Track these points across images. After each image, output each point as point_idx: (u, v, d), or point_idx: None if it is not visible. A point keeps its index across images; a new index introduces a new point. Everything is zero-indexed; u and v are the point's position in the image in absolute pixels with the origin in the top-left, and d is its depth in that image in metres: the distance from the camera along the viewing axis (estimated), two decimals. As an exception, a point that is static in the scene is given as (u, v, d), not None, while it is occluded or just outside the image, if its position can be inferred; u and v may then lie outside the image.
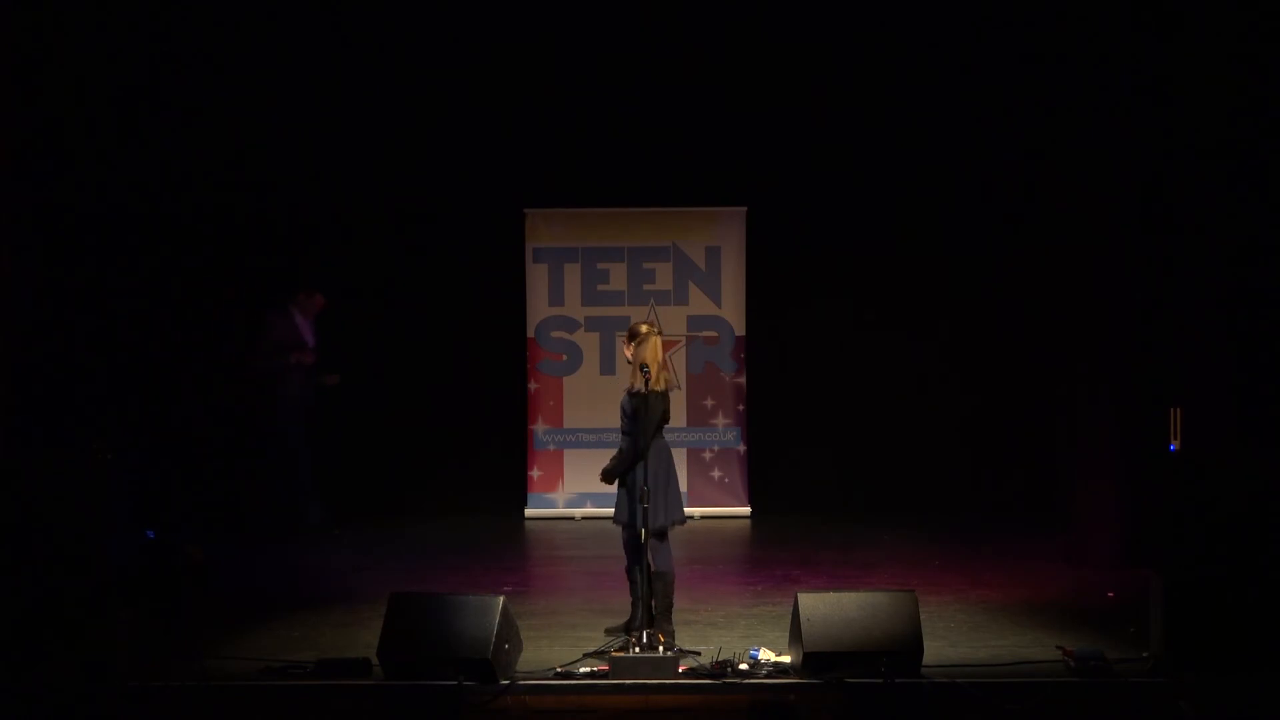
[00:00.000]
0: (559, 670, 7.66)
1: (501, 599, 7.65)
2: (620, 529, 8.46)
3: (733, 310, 12.91)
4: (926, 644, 7.60)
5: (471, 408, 13.05)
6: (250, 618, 9.05)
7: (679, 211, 13.00)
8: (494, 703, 7.33)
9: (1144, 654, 7.83)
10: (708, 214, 13.01)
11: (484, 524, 12.47)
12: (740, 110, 12.80)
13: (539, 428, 12.90)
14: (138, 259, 11.67)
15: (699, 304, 12.92)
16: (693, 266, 12.92)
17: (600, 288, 12.94)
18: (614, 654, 7.67)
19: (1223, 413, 9.76)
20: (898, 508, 12.63)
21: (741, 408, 12.89)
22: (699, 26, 12.51)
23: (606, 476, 8.47)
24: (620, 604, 8.78)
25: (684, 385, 12.85)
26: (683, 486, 12.20)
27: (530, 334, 12.93)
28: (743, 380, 12.92)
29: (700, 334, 12.91)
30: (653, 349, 8.33)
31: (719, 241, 12.93)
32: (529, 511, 12.83)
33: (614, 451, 8.50)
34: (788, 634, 7.90)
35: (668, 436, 8.48)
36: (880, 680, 7.34)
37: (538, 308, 12.95)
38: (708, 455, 12.89)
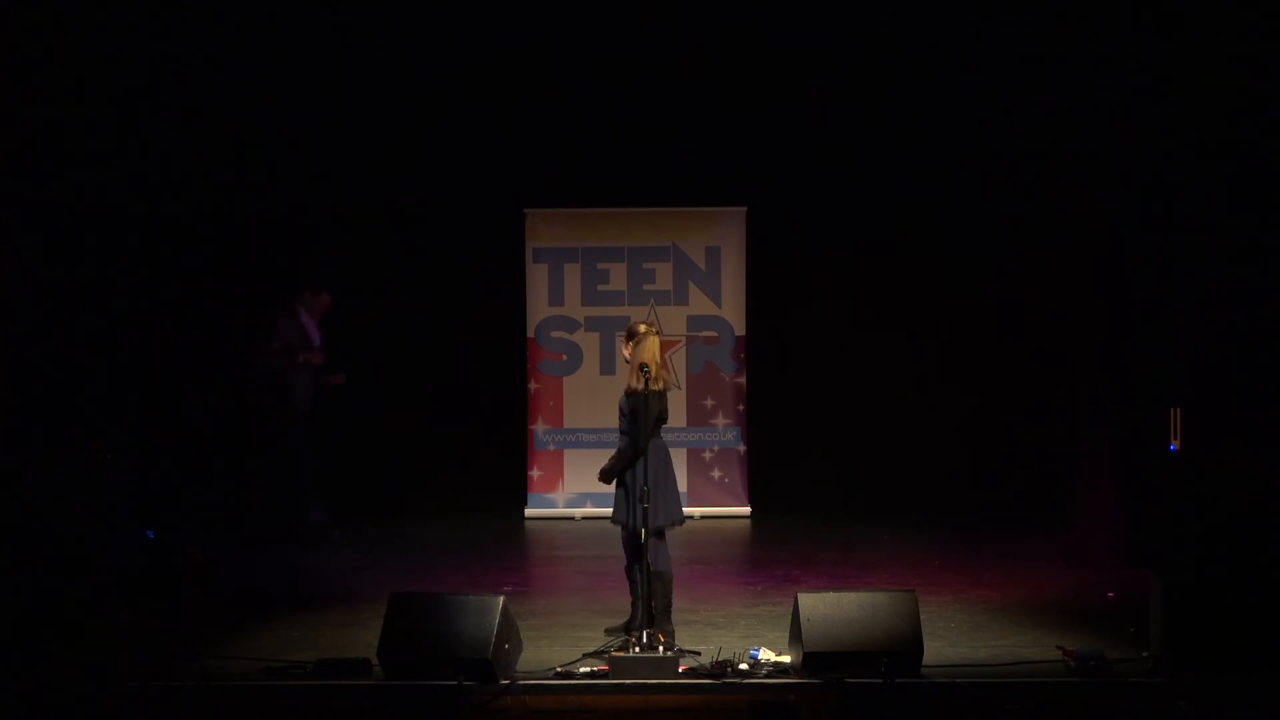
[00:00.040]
0: (559, 670, 7.66)
1: (501, 599, 7.65)
2: (620, 529, 8.46)
3: (733, 310, 12.91)
4: (926, 644, 7.61)
5: (471, 408, 13.06)
6: (250, 618, 9.05)
7: (679, 211, 13.01)
8: (494, 703, 7.33)
9: (1144, 654, 7.83)
10: (708, 214, 13.01)
11: (484, 524, 12.47)
12: (740, 110, 12.80)
13: (539, 428, 12.90)
14: (138, 259, 11.66)
15: (699, 304, 12.92)
16: (693, 266, 12.92)
17: (600, 288, 12.94)
18: (614, 654, 7.67)
19: (1223, 413, 9.76)
20: (898, 508, 12.63)
21: (741, 408, 12.89)
22: (699, 26, 12.51)
23: (605, 476, 8.47)
24: (620, 604, 8.78)
25: (684, 385, 12.85)
26: (683, 486, 12.28)
27: (530, 334, 12.93)
28: (743, 380, 12.92)
29: (700, 334, 12.92)
30: (651, 349, 8.33)
31: (719, 241, 12.93)
32: (529, 511, 12.84)
33: (613, 451, 8.51)
34: (788, 634, 7.90)
35: (667, 436, 8.49)
36: (880, 680, 7.34)
37: (538, 308, 12.95)
38: (708, 455, 12.89)
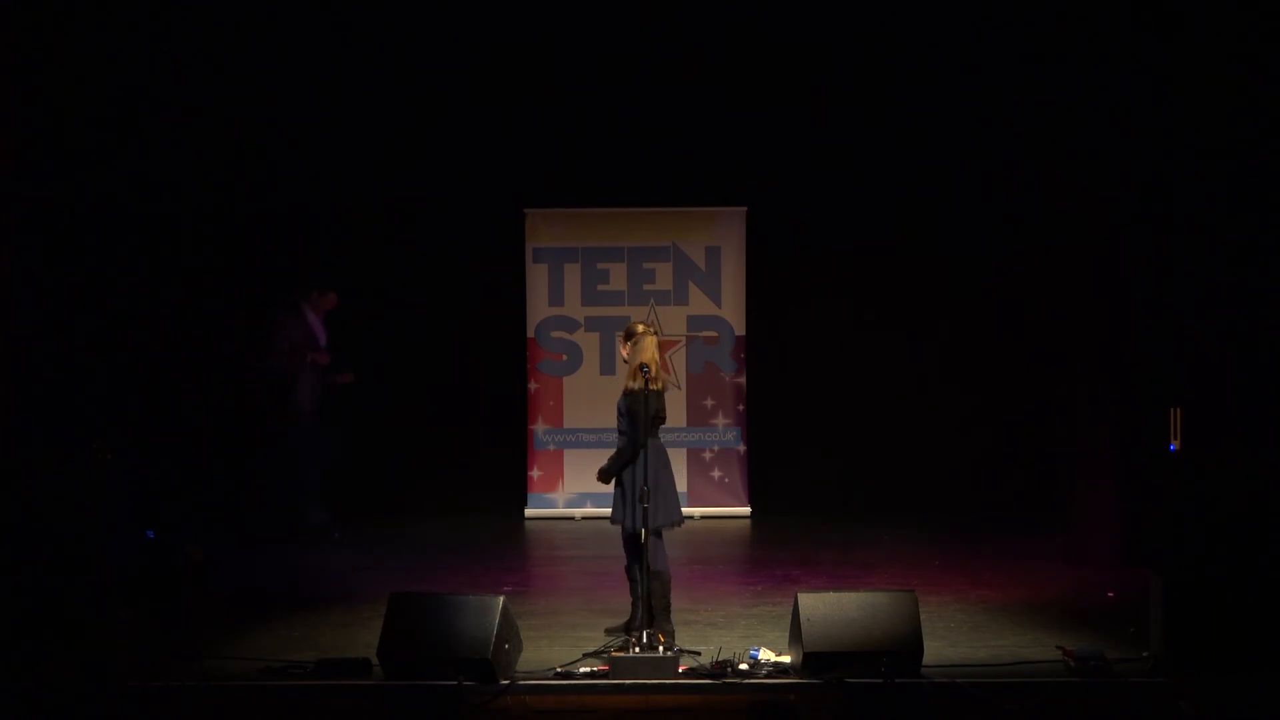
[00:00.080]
0: (559, 670, 7.66)
1: (501, 599, 7.65)
2: (619, 529, 8.46)
3: (733, 310, 12.91)
4: (926, 644, 7.61)
5: (471, 408, 13.06)
6: (250, 618, 9.05)
7: (679, 211, 13.01)
8: (494, 703, 7.33)
9: (1144, 654, 7.83)
10: (708, 214, 13.01)
11: (484, 524, 12.47)
12: (740, 110, 12.80)
13: (539, 428, 12.90)
14: (138, 259, 11.66)
15: (699, 304, 12.92)
16: (693, 266, 12.92)
17: (600, 288, 12.94)
18: (614, 654, 7.67)
19: (1223, 413, 9.76)
20: (898, 508, 12.63)
21: (741, 408, 12.89)
22: (699, 26, 12.50)
23: (603, 476, 8.48)
24: (620, 604, 8.78)
25: (684, 385, 12.85)
26: (682, 486, 12.32)
27: (530, 334, 12.93)
28: (743, 380, 12.92)
29: (700, 334, 12.92)
30: (650, 349, 8.34)
31: (719, 241, 12.93)
32: (529, 511, 12.84)
33: (612, 452, 8.51)
34: (788, 634, 7.90)
35: (667, 436, 8.49)
36: (880, 680, 7.34)
37: (538, 308, 12.95)
38: (708, 455, 12.88)
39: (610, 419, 8.72)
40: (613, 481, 8.43)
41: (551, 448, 12.89)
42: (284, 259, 12.68)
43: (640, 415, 8.19)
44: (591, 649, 8.07)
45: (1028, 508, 12.24)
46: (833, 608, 7.62)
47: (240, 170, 12.44)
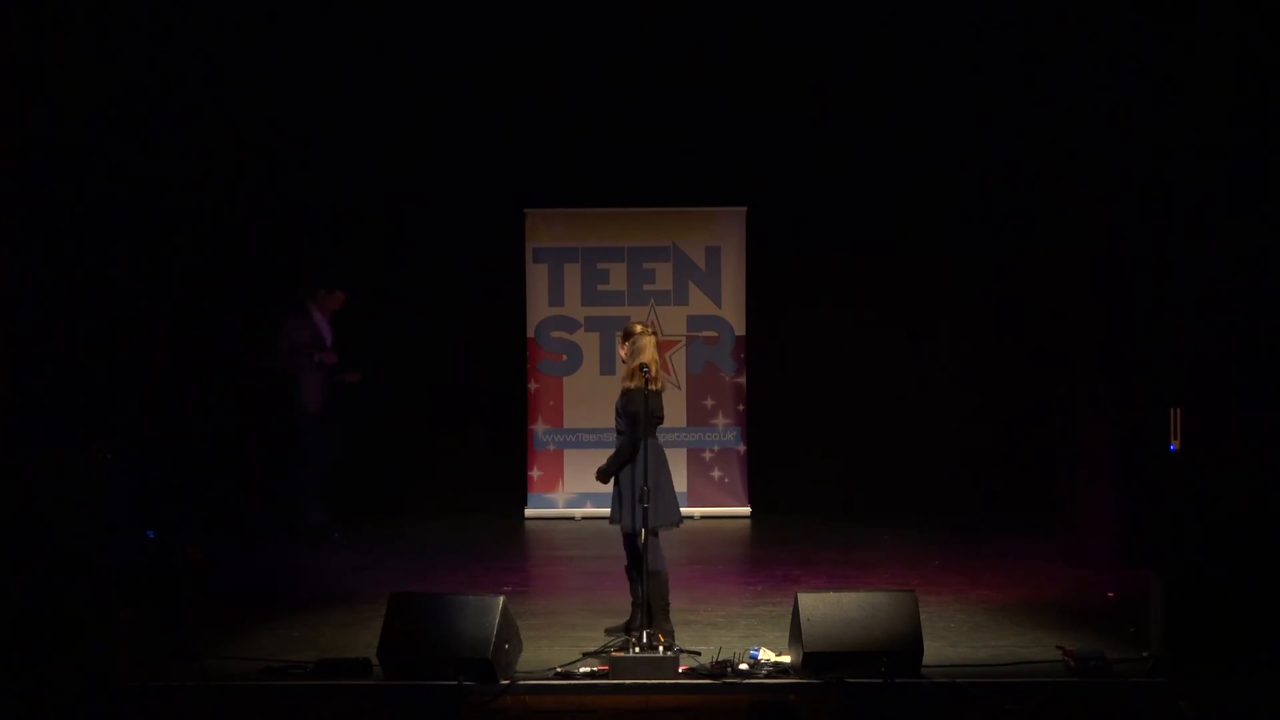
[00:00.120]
0: (559, 670, 7.66)
1: (501, 599, 7.65)
2: (619, 528, 8.46)
3: (733, 310, 12.91)
4: (926, 644, 7.61)
5: (471, 408, 13.06)
6: (250, 618, 9.05)
7: (679, 211, 13.01)
8: (494, 703, 7.33)
9: (1144, 654, 7.83)
10: (708, 214, 13.01)
11: (484, 524, 12.47)
12: (740, 110, 12.80)
13: (539, 428, 12.90)
14: (138, 259, 11.67)
15: (699, 304, 12.92)
16: (693, 266, 12.92)
17: (600, 288, 12.94)
18: (614, 654, 7.68)
19: (1223, 413, 9.76)
20: (898, 508, 12.64)
21: (741, 408, 12.89)
22: (699, 26, 12.50)
23: (602, 475, 8.48)
24: (620, 604, 8.78)
25: (684, 385, 12.85)
26: (682, 486, 12.33)
27: (530, 334, 12.93)
28: (743, 380, 12.92)
29: (700, 334, 12.91)
30: (649, 349, 8.35)
31: (719, 241, 12.93)
32: (529, 511, 12.83)
33: (611, 451, 8.51)
34: (788, 634, 7.91)
35: (666, 436, 8.49)
36: (880, 680, 7.34)
37: (538, 308, 12.95)
38: (708, 455, 12.88)
39: (610, 419, 8.72)
40: (611, 482, 8.44)
41: (551, 448, 12.89)
42: (284, 259, 12.69)
43: (639, 415, 8.19)
44: (591, 649, 8.07)
45: (1028, 508, 12.24)
46: (833, 608, 7.62)
47: (240, 170, 12.44)
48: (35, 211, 10.16)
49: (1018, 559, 10.84)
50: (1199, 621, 7.58)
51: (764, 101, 12.73)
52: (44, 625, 7.51)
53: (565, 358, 12.93)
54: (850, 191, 12.88)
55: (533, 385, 12.93)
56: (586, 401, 12.73)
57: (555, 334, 12.94)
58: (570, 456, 12.82)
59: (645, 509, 7.96)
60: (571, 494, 12.82)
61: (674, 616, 8.44)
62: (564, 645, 8.24)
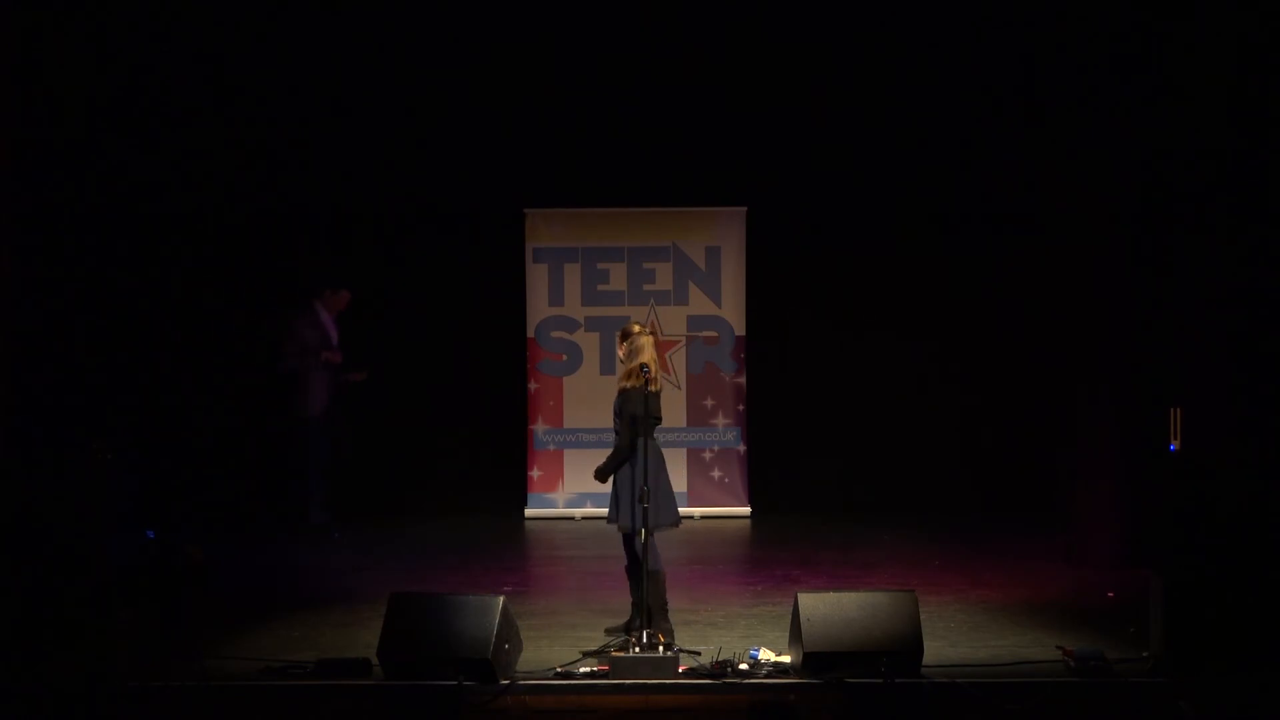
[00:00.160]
0: (559, 670, 7.66)
1: (501, 599, 7.65)
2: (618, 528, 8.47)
3: (733, 310, 12.91)
4: (926, 644, 7.61)
5: (471, 408, 13.06)
6: (250, 618, 9.05)
7: (679, 211, 13.01)
8: (494, 703, 7.33)
9: (1144, 654, 7.83)
10: (708, 214, 13.01)
11: (484, 524, 12.48)
12: (740, 110, 12.80)
13: (539, 428, 12.90)
14: (138, 259, 11.67)
15: (699, 304, 12.92)
16: (693, 266, 12.92)
17: (600, 288, 12.95)
18: (614, 654, 7.68)
19: (1223, 413, 9.76)
20: (898, 508, 12.64)
21: (741, 408, 12.89)
22: (699, 26, 12.50)
23: (600, 475, 8.49)
24: (620, 604, 8.78)
25: (684, 385, 12.85)
26: (683, 486, 12.34)
27: (530, 334, 12.93)
28: (743, 380, 12.92)
29: (700, 334, 12.92)
30: (649, 349, 8.35)
31: (719, 241, 12.93)
32: (529, 511, 12.84)
33: (610, 451, 8.51)
34: (788, 634, 7.90)
35: (666, 436, 8.49)
36: (880, 680, 7.34)
37: (538, 308, 12.95)
38: (708, 455, 12.88)
39: (610, 419, 8.72)
40: (610, 482, 8.44)
41: (551, 448, 12.89)
42: (284, 259, 12.69)
43: (638, 415, 8.19)
44: (591, 649, 8.08)
45: (1028, 508, 12.24)
46: (833, 608, 7.62)
47: (240, 170, 12.44)
48: (35, 211, 10.16)
49: (1018, 559, 10.84)
50: (1199, 621, 7.58)
51: (764, 101, 12.73)
52: (44, 625, 7.50)
53: (565, 358, 12.93)
54: (850, 191, 12.88)
55: (533, 385, 12.93)
56: (586, 401, 12.73)
57: (555, 334, 12.94)
58: (570, 456, 12.82)
59: (645, 509, 7.96)
60: (571, 494, 12.82)
61: (674, 616, 8.45)
62: (564, 645, 8.24)
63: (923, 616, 7.73)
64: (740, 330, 12.90)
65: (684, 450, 12.70)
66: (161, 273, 12.12)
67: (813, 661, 7.49)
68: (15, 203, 9.94)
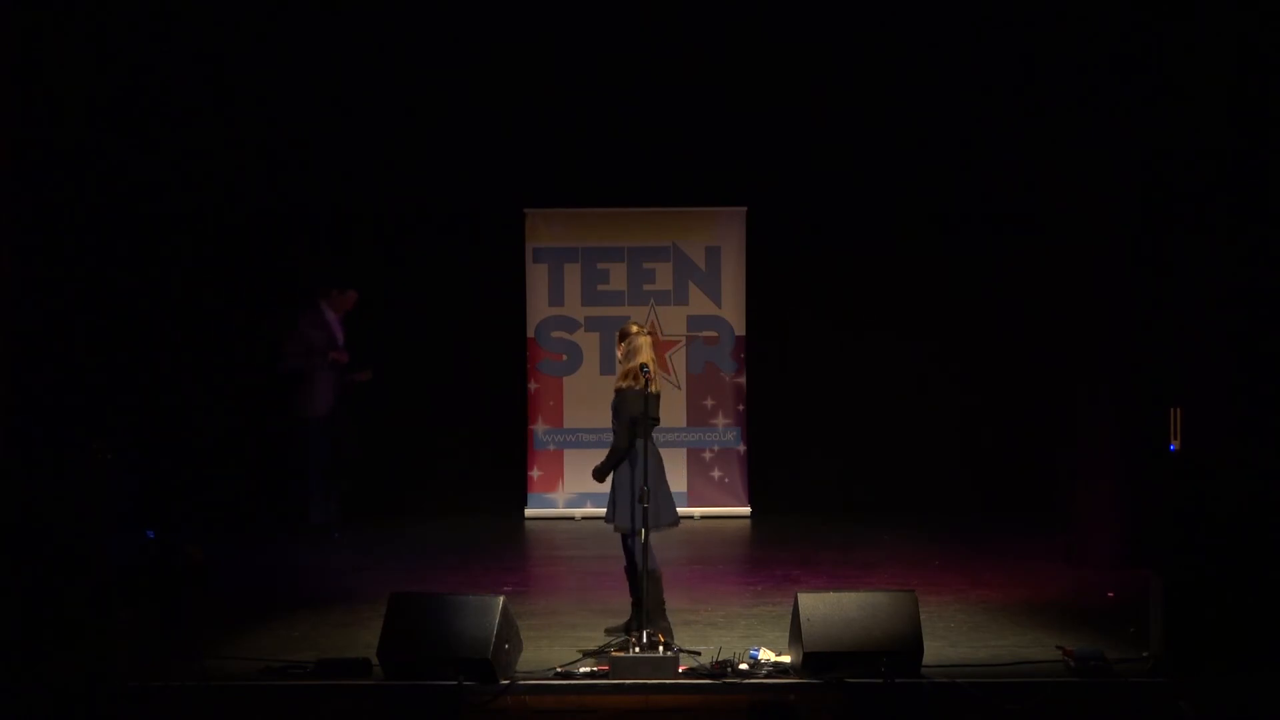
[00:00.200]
0: (559, 670, 7.66)
1: (501, 599, 7.65)
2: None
3: (733, 310, 12.91)
4: (926, 644, 7.61)
5: (471, 408, 13.06)
6: (250, 618, 9.05)
7: (679, 211, 13.01)
8: (494, 703, 7.33)
9: (1144, 654, 7.83)
10: (708, 214, 13.01)
11: (484, 524, 12.48)
12: (740, 110, 12.80)
13: (539, 428, 12.90)
14: (138, 259, 11.67)
15: (699, 304, 12.92)
16: (693, 266, 12.92)
17: (600, 288, 12.95)
18: (614, 654, 7.68)
19: (1223, 413, 9.76)
20: (898, 508, 12.64)
21: (741, 408, 12.89)
22: (699, 26, 12.50)
23: (598, 474, 8.49)
24: (620, 604, 8.78)
25: (684, 385, 12.85)
26: (683, 486, 12.33)
27: (530, 334, 12.93)
28: (743, 380, 12.92)
29: (700, 334, 12.91)
30: (647, 349, 8.35)
31: (719, 241, 12.93)
32: (529, 511, 12.84)
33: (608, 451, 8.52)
34: (788, 634, 7.91)
35: (666, 436, 8.49)
36: (880, 680, 7.34)
37: (538, 308, 12.95)
38: (708, 455, 12.88)
39: (610, 419, 8.72)
40: (608, 482, 8.44)
41: (551, 448, 12.89)
42: (284, 259, 12.68)
43: (637, 415, 8.19)
44: (591, 649, 8.08)
45: (1028, 508, 12.24)
46: (833, 608, 7.62)
47: (240, 170, 12.44)
48: (35, 211, 10.16)
49: (1018, 559, 10.84)
50: (1199, 621, 7.58)
51: (764, 101, 12.73)
52: (44, 625, 7.50)
53: (565, 358, 12.93)
54: (850, 191, 12.88)
55: (533, 385, 12.93)
56: (586, 401, 12.73)
57: (555, 334, 12.94)
58: (570, 456, 12.82)
59: (645, 509, 7.96)
60: (571, 494, 12.82)
61: (674, 616, 8.45)
62: (564, 645, 8.24)
63: (923, 616, 7.73)
64: (740, 330, 12.90)
65: (684, 450, 12.69)
66: (162, 273, 12.12)
67: (813, 661, 7.49)
68: (15, 203, 9.94)
